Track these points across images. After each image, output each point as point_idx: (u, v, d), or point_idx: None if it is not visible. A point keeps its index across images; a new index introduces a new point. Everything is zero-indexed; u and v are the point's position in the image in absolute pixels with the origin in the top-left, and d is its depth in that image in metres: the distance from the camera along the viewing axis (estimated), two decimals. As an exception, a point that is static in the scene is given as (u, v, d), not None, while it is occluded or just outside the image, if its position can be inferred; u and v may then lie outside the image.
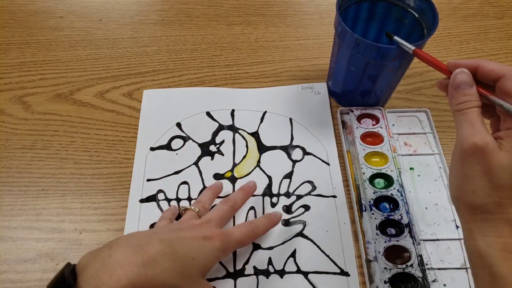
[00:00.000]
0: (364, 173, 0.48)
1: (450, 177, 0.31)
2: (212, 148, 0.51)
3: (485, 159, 0.28)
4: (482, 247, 0.28)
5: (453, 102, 0.31)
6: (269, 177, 0.49)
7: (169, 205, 0.47)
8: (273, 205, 0.47)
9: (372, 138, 0.51)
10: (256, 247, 0.44)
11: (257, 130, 0.53)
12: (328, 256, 0.44)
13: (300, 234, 0.45)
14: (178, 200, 0.47)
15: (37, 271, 0.43)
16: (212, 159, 0.50)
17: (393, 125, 0.53)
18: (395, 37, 0.42)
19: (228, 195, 0.45)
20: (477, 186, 0.28)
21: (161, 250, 0.31)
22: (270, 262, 0.43)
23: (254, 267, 0.43)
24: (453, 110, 0.31)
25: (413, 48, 0.40)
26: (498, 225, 0.28)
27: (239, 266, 0.43)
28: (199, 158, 0.51)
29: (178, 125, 0.53)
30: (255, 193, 0.48)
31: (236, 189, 0.48)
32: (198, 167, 0.50)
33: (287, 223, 0.46)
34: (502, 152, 0.28)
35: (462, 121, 0.30)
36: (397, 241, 0.43)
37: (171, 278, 0.31)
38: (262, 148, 0.51)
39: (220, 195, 0.46)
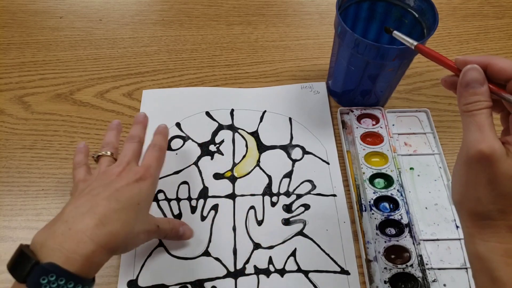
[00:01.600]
0: (364, 173, 0.48)
1: (453, 180, 0.30)
2: (212, 147, 0.51)
3: (491, 167, 0.26)
4: (483, 252, 0.28)
5: (461, 102, 0.29)
6: (269, 177, 0.49)
7: (169, 205, 0.47)
8: (273, 204, 0.47)
9: (372, 138, 0.51)
10: (257, 246, 0.44)
11: (257, 130, 0.53)
12: (328, 255, 0.44)
13: (300, 233, 0.45)
14: (178, 200, 0.47)
15: (37, 271, 0.43)
16: (211, 158, 0.50)
17: (393, 125, 0.53)
18: (395, 32, 0.41)
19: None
20: (481, 193, 0.27)
21: (110, 207, 0.33)
22: (270, 261, 0.43)
23: (255, 266, 0.43)
24: (461, 110, 0.29)
25: (415, 43, 0.38)
26: (501, 231, 0.27)
27: (239, 266, 0.43)
28: (199, 158, 0.51)
29: (178, 125, 0.53)
30: (255, 193, 0.48)
31: (236, 188, 0.48)
32: (198, 167, 0.50)
33: (287, 222, 0.46)
34: (509, 159, 0.26)
35: (470, 124, 0.28)
36: (397, 241, 0.43)
37: (128, 227, 0.33)
38: (262, 148, 0.51)
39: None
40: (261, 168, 0.50)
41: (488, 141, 0.27)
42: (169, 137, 0.52)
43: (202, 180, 0.49)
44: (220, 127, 0.53)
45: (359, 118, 0.53)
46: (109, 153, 0.40)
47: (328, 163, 0.50)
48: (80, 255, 0.29)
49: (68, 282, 0.28)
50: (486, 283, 0.28)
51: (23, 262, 0.28)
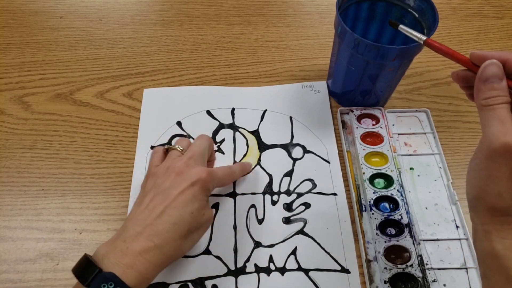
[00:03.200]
0: (364, 173, 0.48)
1: (470, 175, 0.30)
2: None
3: None
4: (500, 250, 0.27)
5: (480, 96, 0.29)
6: (270, 175, 0.49)
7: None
8: (274, 203, 0.47)
9: (372, 138, 0.51)
10: (257, 245, 0.44)
11: (258, 129, 0.53)
12: (328, 253, 0.44)
13: (301, 231, 0.45)
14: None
15: (37, 271, 0.43)
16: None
17: (393, 125, 0.53)
18: (401, 26, 0.40)
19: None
20: (503, 188, 0.27)
21: (163, 227, 0.34)
22: (271, 259, 0.43)
23: (255, 265, 0.43)
24: (480, 104, 0.29)
25: (424, 38, 0.37)
26: None
27: (240, 264, 0.43)
28: (199, 157, 0.51)
29: (179, 123, 0.53)
30: (255, 191, 0.48)
31: (237, 187, 0.48)
32: (198, 167, 0.50)
33: (287, 221, 0.46)
34: None
35: (491, 118, 0.28)
36: (397, 241, 0.43)
37: (178, 243, 0.35)
38: (263, 147, 0.51)
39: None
40: (261, 167, 0.50)
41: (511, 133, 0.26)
42: (170, 135, 0.52)
43: (203, 179, 0.49)
44: (221, 126, 0.53)
45: (359, 118, 0.53)
46: (180, 148, 0.41)
47: (328, 162, 0.50)
48: (135, 271, 0.32)
49: None
50: (502, 282, 0.27)
51: (89, 268, 0.32)
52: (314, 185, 0.48)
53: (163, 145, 0.51)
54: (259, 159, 0.50)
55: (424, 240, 0.44)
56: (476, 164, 0.29)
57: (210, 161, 0.47)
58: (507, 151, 0.26)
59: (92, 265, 0.32)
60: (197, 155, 0.40)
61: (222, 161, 0.50)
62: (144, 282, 0.33)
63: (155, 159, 0.42)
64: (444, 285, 0.42)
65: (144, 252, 0.33)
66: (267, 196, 0.48)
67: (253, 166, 0.50)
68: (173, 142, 0.42)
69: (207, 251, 0.44)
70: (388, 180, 0.48)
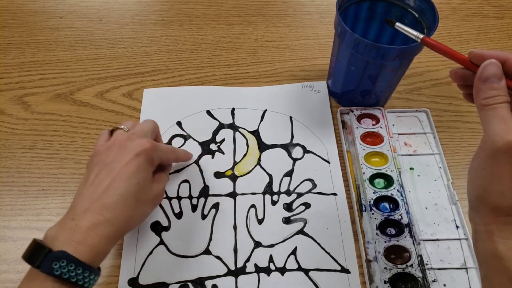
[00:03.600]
0: (364, 173, 0.48)
1: (472, 175, 0.29)
2: (213, 146, 0.51)
3: None
4: (503, 251, 0.27)
5: (480, 96, 0.29)
6: (270, 175, 0.49)
7: (170, 203, 0.47)
8: (274, 203, 0.47)
9: (372, 138, 0.51)
10: (257, 245, 0.44)
11: (258, 129, 0.53)
12: (328, 253, 0.44)
13: (301, 231, 0.45)
14: (179, 198, 0.47)
15: (37, 270, 0.43)
16: (212, 157, 0.50)
17: (393, 125, 0.53)
18: (398, 24, 0.40)
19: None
20: (507, 187, 0.27)
21: (110, 199, 0.35)
22: (271, 259, 0.43)
23: (255, 265, 0.43)
24: (480, 104, 0.29)
25: (421, 36, 0.37)
26: None
27: (240, 264, 0.43)
28: (200, 156, 0.51)
29: (179, 123, 0.53)
30: (255, 191, 0.48)
31: (237, 187, 0.48)
32: (199, 166, 0.50)
33: (287, 221, 0.46)
34: None
35: (492, 117, 0.28)
36: (397, 241, 0.43)
37: (128, 213, 0.36)
38: (263, 147, 0.51)
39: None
40: (261, 167, 0.50)
41: None
42: (170, 135, 0.52)
43: (203, 178, 0.49)
44: (221, 126, 0.53)
45: (359, 118, 0.53)
46: (126, 128, 0.41)
47: (328, 162, 0.50)
48: (86, 246, 0.32)
49: (77, 268, 0.31)
50: (504, 284, 0.27)
51: (38, 251, 0.31)
52: (314, 185, 0.48)
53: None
54: (259, 159, 0.50)
55: (424, 240, 0.44)
56: (478, 163, 0.29)
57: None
58: (510, 149, 0.26)
59: (41, 247, 0.32)
60: (139, 132, 0.40)
61: (222, 161, 0.50)
62: (98, 256, 0.33)
63: (100, 140, 0.41)
64: (444, 285, 0.42)
65: (94, 227, 0.33)
66: (267, 196, 0.48)
67: (253, 166, 0.50)
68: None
69: (207, 251, 0.44)
70: (388, 180, 0.48)
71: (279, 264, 0.43)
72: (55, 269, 0.30)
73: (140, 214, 0.38)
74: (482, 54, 0.30)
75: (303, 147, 0.52)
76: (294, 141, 0.52)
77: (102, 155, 0.38)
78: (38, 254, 0.31)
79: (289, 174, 0.49)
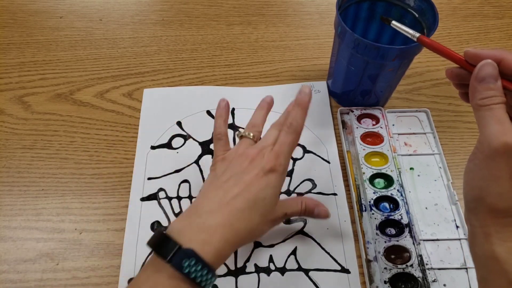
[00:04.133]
0: (364, 173, 0.48)
1: (469, 176, 0.29)
2: (213, 146, 0.51)
3: None
4: (501, 253, 0.27)
5: (476, 96, 0.29)
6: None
7: (170, 203, 0.47)
8: (273, 204, 0.47)
9: (372, 138, 0.51)
10: (257, 245, 0.44)
11: (257, 130, 0.53)
12: (328, 253, 0.44)
13: (301, 231, 0.45)
14: (179, 198, 0.47)
15: (37, 271, 0.43)
16: (212, 157, 0.50)
17: (393, 125, 0.53)
18: (394, 22, 0.40)
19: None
20: (505, 188, 0.27)
21: (237, 206, 0.34)
22: (271, 259, 0.43)
23: (255, 265, 0.43)
24: (476, 104, 0.29)
25: (417, 35, 0.37)
26: None
27: (240, 264, 0.43)
28: (200, 156, 0.51)
29: (179, 123, 0.53)
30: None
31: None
32: (199, 166, 0.50)
33: (287, 221, 0.46)
34: None
35: (488, 118, 0.27)
36: (397, 241, 0.43)
37: (251, 225, 0.34)
38: (262, 148, 0.51)
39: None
40: (261, 168, 0.50)
41: (511, 132, 0.26)
42: (170, 135, 0.52)
43: (203, 178, 0.49)
44: (221, 127, 0.53)
45: (359, 118, 0.53)
46: (251, 135, 0.39)
47: (328, 162, 0.50)
48: (212, 247, 0.32)
49: (203, 269, 0.30)
50: (502, 286, 0.27)
51: (167, 243, 0.31)
52: (314, 185, 0.48)
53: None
54: (259, 159, 0.50)
55: (424, 240, 0.44)
56: (475, 164, 0.28)
57: None
58: (508, 150, 0.26)
59: (171, 241, 0.31)
60: (270, 145, 0.37)
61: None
62: (219, 259, 0.33)
63: (220, 145, 0.40)
64: (444, 285, 0.42)
65: (220, 228, 0.32)
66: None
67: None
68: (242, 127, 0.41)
69: (207, 251, 0.44)
70: (388, 180, 0.48)
71: (279, 264, 0.43)
72: (184, 267, 0.30)
73: (259, 230, 0.36)
74: (478, 53, 0.30)
75: (303, 147, 0.52)
76: (294, 141, 0.52)
77: (232, 162, 0.37)
78: (168, 247, 0.30)
79: (289, 174, 0.49)
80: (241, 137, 0.40)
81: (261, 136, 0.40)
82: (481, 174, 0.28)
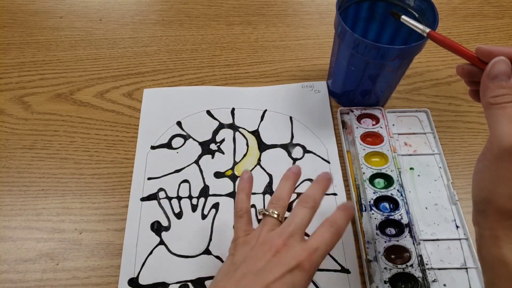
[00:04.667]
0: (364, 173, 0.48)
1: (478, 177, 0.28)
2: (213, 146, 0.51)
3: None
4: (510, 257, 0.26)
5: (487, 94, 0.28)
6: (270, 175, 0.49)
7: (170, 203, 0.47)
8: (273, 204, 0.47)
9: (372, 138, 0.51)
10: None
11: (258, 129, 0.53)
12: (328, 253, 0.43)
13: (301, 233, 0.45)
14: (179, 198, 0.47)
15: (37, 271, 0.43)
16: (212, 157, 0.50)
17: (393, 125, 0.53)
18: (403, 17, 0.40)
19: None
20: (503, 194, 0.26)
21: None
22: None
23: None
24: (487, 102, 0.28)
25: (427, 30, 0.36)
26: None
27: (239, 266, 0.43)
28: (200, 156, 0.51)
29: (179, 123, 0.53)
30: (255, 191, 0.48)
31: (237, 188, 0.48)
32: (199, 166, 0.50)
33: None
34: None
35: (500, 116, 0.26)
36: (397, 241, 0.43)
37: None
38: (263, 147, 0.51)
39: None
40: (261, 167, 0.50)
41: None
42: (170, 135, 0.52)
43: (203, 178, 0.49)
44: (221, 126, 0.53)
45: (359, 118, 0.53)
46: (276, 214, 0.35)
47: (328, 162, 0.50)
48: None
49: None
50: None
51: None
52: (314, 185, 0.48)
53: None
54: (259, 159, 0.50)
55: (424, 240, 0.44)
56: (484, 165, 0.27)
57: None
58: None
59: None
60: (299, 229, 0.34)
61: (222, 161, 0.50)
62: None
63: (242, 223, 0.36)
64: (444, 285, 0.42)
65: None
66: (267, 196, 0.48)
67: (253, 166, 0.50)
68: (265, 201, 0.37)
69: (207, 251, 0.44)
70: (388, 180, 0.48)
71: (279, 264, 0.43)
72: None
73: None
74: (490, 50, 0.29)
75: (303, 147, 0.52)
76: (294, 141, 0.52)
77: (252, 251, 0.33)
78: None
79: (289, 174, 0.49)
80: (263, 214, 0.36)
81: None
82: (490, 175, 0.27)
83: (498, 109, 0.27)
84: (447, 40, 0.34)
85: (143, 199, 0.47)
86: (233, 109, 0.55)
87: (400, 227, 0.44)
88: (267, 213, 0.36)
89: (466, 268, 0.43)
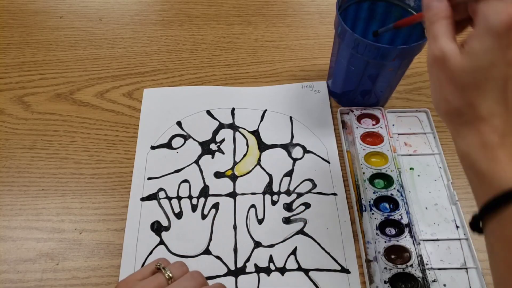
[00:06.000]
0: (364, 173, 0.48)
1: (430, 90, 0.33)
2: (213, 146, 0.51)
3: (446, 66, 0.29)
4: (464, 149, 0.29)
5: (425, 22, 0.31)
6: (270, 175, 0.49)
7: (170, 203, 0.47)
8: (274, 203, 0.47)
9: (372, 138, 0.51)
10: (257, 245, 0.44)
11: (258, 129, 0.53)
12: (328, 253, 0.44)
13: (301, 231, 0.45)
14: (179, 198, 0.47)
15: (37, 271, 0.43)
16: (212, 157, 0.50)
17: (393, 125, 0.53)
18: (379, 30, 0.45)
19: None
20: (447, 93, 0.29)
21: None
22: (271, 259, 0.43)
23: (255, 265, 0.43)
24: (425, 29, 0.31)
25: (391, 25, 0.43)
26: (474, 125, 0.29)
27: (240, 264, 0.43)
28: (200, 156, 0.51)
29: (179, 123, 0.53)
30: (255, 191, 0.48)
31: (237, 187, 0.48)
32: (199, 166, 0.50)
33: (287, 221, 0.46)
34: (462, 55, 0.28)
35: (428, 35, 0.30)
36: (397, 241, 0.43)
37: None
38: (263, 147, 0.52)
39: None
40: (261, 167, 0.50)
41: (439, 44, 0.29)
42: (170, 135, 0.52)
43: (203, 178, 0.49)
44: (221, 126, 0.53)
45: (359, 118, 0.53)
46: (170, 275, 0.35)
47: (328, 162, 0.50)
48: None
49: None
50: (473, 179, 0.29)
51: None
52: (314, 185, 0.48)
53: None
54: (259, 159, 0.50)
55: (424, 240, 0.44)
56: (429, 80, 0.32)
57: None
58: (436, 61, 0.29)
59: None
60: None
61: (222, 161, 0.50)
62: None
63: (141, 272, 0.36)
64: (444, 285, 0.42)
65: None
66: (267, 196, 0.48)
67: (253, 166, 0.50)
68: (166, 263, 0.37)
69: (207, 251, 0.44)
70: (388, 180, 0.48)
71: (279, 264, 0.43)
72: None
73: None
74: None
75: (303, 147, 0.52)
76: (294, 141, 0.52)
77: None
78: None
79: (289, 174, 0.49)
80: (158, 269, 0.36)
81: None
82: (431, 87, 0.32)
83: (428, 29, 0.31)
84: (407, 19, 0.40)
85: (143, 199, 0.47)
86: (233, 109, 0.55)
87: (400, 227, 0.44)
88: (161, 269, 0.35)
89: (466, 268, 0.43)
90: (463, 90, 0.28)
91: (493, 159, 0.28)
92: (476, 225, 0.29)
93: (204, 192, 0.48)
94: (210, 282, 0.41)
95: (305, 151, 0.51)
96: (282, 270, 0.43)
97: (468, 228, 0.45)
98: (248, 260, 0.43)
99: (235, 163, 0.50)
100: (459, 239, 0.44)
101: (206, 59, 0.61)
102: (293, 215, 0.46)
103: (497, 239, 0.28)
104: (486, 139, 0.28)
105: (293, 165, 0.50)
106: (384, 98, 0.54)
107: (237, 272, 0.43)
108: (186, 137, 0.52)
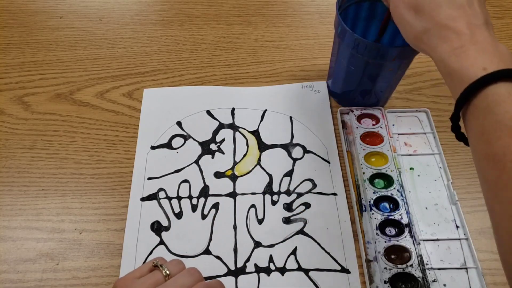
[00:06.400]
0: (364, 173, 0.48)
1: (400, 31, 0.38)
2: (213, 146, 0.51)
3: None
4: (439, 57, 0.33)
5: None
6: (270, 175, 0.49)
7: (170, 203, 0.47)
8: (274, 203, 0.47)
9: (372, 138, 0.51)
10: (257, 245, 0.44)
11: (258, 129, 0.53)
12: (328, 253, 0.44)
13: (301, 231, 0.45)
14: (179, 198, 0.47)
15: (37, 271, 0.43)
16: (212, 157, 0.50)
17: (393, 125, 0.53)
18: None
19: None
20: (409, 19, 0.35)
21: None
22: (271, 259, 0.43)
23: (255, 265, 0.43)
24: None
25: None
26: (441, 35, 0.32)
27: (240, 264, 0.43)
28: (200, 156, 0.51)
29: (179, 123, 0.53)
30: (255, 191, 0.48)
31: (237, 187, 0.48)
32: (199, 166, 0.50)
33: (287, 221, 0.46)
34: None
35: None
36: (397, 241, 0.43)
37: None
38: (263, 147, 0.52)
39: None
40: (261, 167, 0.50)
41: None
42: (170, 135, 0.52)
43: (203, 178, 0.49)
44: (221, 126, 0.53)
45: (359, 118, 0.53)
46: (167, 272, 0.35)
47: (328, 162, 0.50)
48: None
49: None
50: (449, 82, 0.33)
51: None
52: (314, 185, 0.48)
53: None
54: (259, 159, 0.50)
55: (424, 240, 0.44)
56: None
57: None
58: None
59: None
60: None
61: (222, 161, 0.50)
62: None
63: (139, 270, 0.36)
64: (444, 285, 0.42)
65: None
66: (267, 196, 0.48)
67: (253, 166, 0.50)
68: (165, 261, 0.37)
69: (207, 251, 0.44)
70: (388, 180, 0.48)
71: (279, 264, 0.43)
72: None
73: None
74: None
75: (303, 147, 0.52)
76: (294, 141, 0.52)
77: None
78: None
79: (289, 174, 0.49)
80: (155, 267, 0.36)
81: None
82: (398, 25, 0.37)
83: None
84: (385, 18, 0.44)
85: (143, 199, 0.47)
86: (233, 109, 0.55)
87: (400, 227, 0.44)
88: (158, 266, 0.36)
89: (466, 268, 0.43)
90: (420, 11, 0.33)
91: (463, 58, 0.31)
92: (455, 125, 0.35)
93: (204, 192, 0.48)
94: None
95: (305, 151, 0.51)
96: (282, 270, 0.43)
97: (469, 229, 0.45)
98: (248, 260, 0.43)
99: (235, 163, 0.50)
100: (459, 239, 0.44)
101: (206, 59, 0.61)
102: (293, 215, 0.46)
103: (473, 132, 0.32)
104: (453, 43, 0.31)
105: (293, 165, 0.50)
106: (384, 98, 0.54)
107: (237, 272, 0.43)
108: (186, 137, 0.52)
